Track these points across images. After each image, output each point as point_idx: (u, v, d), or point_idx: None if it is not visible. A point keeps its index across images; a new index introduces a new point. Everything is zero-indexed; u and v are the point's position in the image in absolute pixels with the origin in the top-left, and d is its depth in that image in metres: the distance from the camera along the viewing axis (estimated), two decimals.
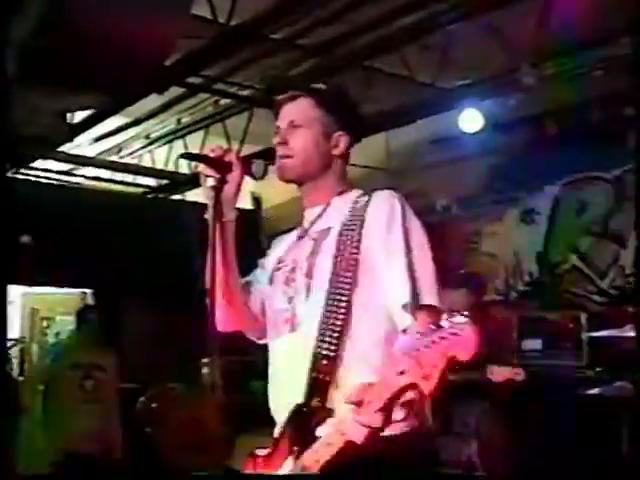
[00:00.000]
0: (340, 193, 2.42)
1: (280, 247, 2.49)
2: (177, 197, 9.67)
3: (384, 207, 2.27)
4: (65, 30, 4.27)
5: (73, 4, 4.27)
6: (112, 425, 6.30)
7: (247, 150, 8.19)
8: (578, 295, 7.31)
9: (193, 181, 8.94)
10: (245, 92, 7.11)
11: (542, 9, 5.44)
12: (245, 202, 10.18)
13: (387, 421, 1.83)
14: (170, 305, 7.66)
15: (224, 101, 7.51)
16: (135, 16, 4.39)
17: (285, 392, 2.26)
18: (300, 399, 2.16)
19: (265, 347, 2.46)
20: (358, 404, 1.85)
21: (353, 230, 2.23)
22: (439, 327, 1.74)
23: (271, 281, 2.41)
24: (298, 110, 2.40)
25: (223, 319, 2.36)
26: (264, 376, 2.44)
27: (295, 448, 2.11)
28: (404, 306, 2.14)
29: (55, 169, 9.01)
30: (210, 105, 7.71)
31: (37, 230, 7.14)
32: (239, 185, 2.33)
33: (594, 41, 5.55)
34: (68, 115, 6.71)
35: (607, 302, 7.08)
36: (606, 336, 5.51)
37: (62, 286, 8.49)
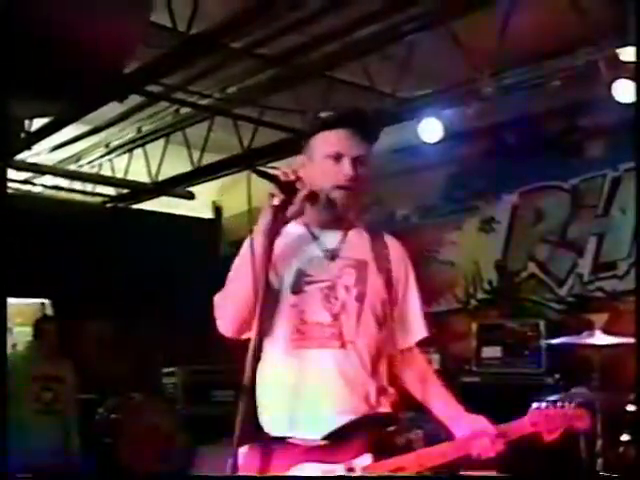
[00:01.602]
0: (351, 224, 2.70)
1: (292, 258, 2.58)
2: (137, 206, 9.60)
3: (402, 256, 2.77)
4: (21, 35, 4.23)
5: (29, 8, 4.23)
6: (71, 436, 6.23)
7: (208, 159, 8.22)
8: (537, 303, 7.39)
9: (152, 191, 8.92)
10: (205, 101, 7.09)
11: (501, 20, 5.49)
12: (206, 211, 10.16)
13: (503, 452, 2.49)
14: (128, 314, 7.61)
15: (184, 110, 7.49)
16: (93, 22, 4.36)
17: (326, 399, 2.47)
18: (343, 406, 2.47)
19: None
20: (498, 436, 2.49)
21: (388, 270, 2.66)
22: (564, 404, 2.55)
23: (297, 290, 2.54)
24: (365, 146, 2.58)
25: (246, 324, 2.44)
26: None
27: (370, 447, 2.44)
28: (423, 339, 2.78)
29: (13, 178, 8.90)
30: (170, 114, 7.68)
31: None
32: (301, 209, 2.47)
33: (552, 52, 5.61)
34: (26, 122, 6.64)
35: (565, 310, 7.16)
36: (564, 343, 5.57)
37: (19, 296, 8.39)
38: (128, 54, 4.99)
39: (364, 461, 2.41)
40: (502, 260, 7.76)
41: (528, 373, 6.36)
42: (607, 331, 5.40)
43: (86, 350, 7.91)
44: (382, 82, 6.41)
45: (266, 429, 2.47)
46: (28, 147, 7.28)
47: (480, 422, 2.54)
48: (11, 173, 8.62)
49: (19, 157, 7.89)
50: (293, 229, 2.59)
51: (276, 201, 2.35)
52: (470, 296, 8.04)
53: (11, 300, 8.17)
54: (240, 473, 2.26)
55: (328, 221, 2.61)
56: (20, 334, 7.94)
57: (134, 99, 6.89)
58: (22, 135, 6.69)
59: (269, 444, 2.42)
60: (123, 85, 5.90)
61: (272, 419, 2.48)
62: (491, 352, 6.91)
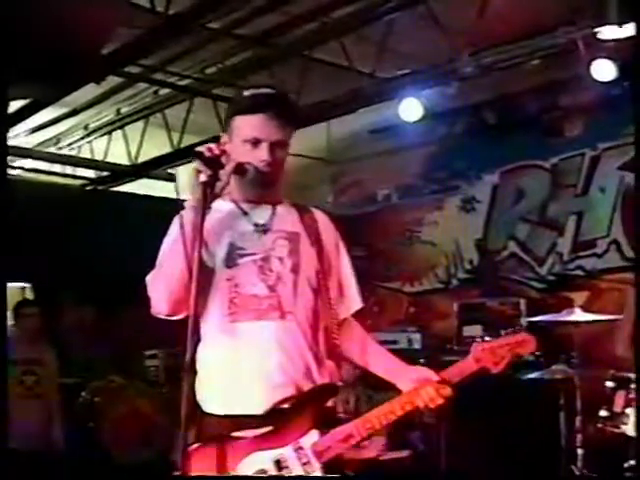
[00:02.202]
0: (278, 199, 2.71)
1: (223, 232, 2.57)
2: (117, 189, 9.55)
3: (331, 228, 2.80)
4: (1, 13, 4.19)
5: None
6: (54, 420, 6.22)
7: (188, 140, 8.18)
8: (517, 282, 7.43)
9: (132, 173, 8.87)
10: (184, 82, 7.05)
11: None
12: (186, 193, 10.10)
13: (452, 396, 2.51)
14: (109, 298, 7.58)
15: (163, 91, 7.45)
16: (71, 3, 4.33)
17: (266, 372, 2.46)
18: (283, 379, 2.46)
19: None
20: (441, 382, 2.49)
21: (319, 241, 2.68)
22: (507, 334, 2.58)
23: (230, 264, 2.53)
24: (282, 132, 2.56)
25: (180, 303, 2.44)
26: None
27: (315, 423, 2.44)
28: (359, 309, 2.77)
29: None
30: (149, 95, 7.64)
31: None
32: (228, 183, 2.44)
33: (531, 31, 5.62)
34: None
35: (545, 288, 7.20)
36: (544, 321, 5.60)
37: None
38: (106, 35, 4.96)
39: (311, 438, 2.42)
40: (483, 239, 7.79)
41: None
42: (586, 309, 5.45)
43: (68, 334, 7.89)
44: (361, 62, 6.39)
45: (208, 408, 2.47)
46: (6, 130, 7.21)
47: (422, 372, 2.54)
48: None
49: None
50: (222, 206, 2.58)
51: (203, 177, 2.33)
52: (451, 275, 8.08)
53: None
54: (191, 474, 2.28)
55: (255, 197, 2.62)
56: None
57: (113, 80, 6.85)
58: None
59: (215, 441, 2.40)
60: (101, 66, 5.86)
61: (213, 396, 2.48)
62: (472, 331, 6.94)
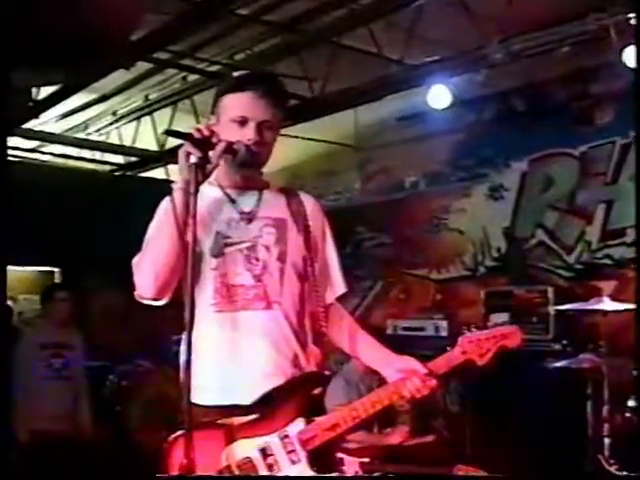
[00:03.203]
0: (265, 184, 2.69)
1: (209, 220, 2.55)
2: (145, 174, 9.60)
3: (318, 213, 2.73)
4: (27, 3, 4.21)
5: None
6: (82, 403, 6.27)
7: None
8: (545, 270, 7.39)
9: (161, 158, 8.90)
10: (213, 68, 7.06)
11: None
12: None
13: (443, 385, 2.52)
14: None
15: (192, 77, 7.47)
16: None
17: (253, 362, 2.46)
18: (271, 368, 2.46)
19: None
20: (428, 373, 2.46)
21: (306, 227, 2.64)
22: (495, 326, 2.57)
23: (216, 253, 2.51)
24: (272, 110, 2.54)
25: (166, 286, 2.45)
26: None
27: (302, 411, 2.42)
28: (342, 294, 2.75)
29: (21, 146, 8.90)
30: (178, 81, 7.66)
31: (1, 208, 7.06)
32: (218, 165, 2.42)
33: (562, 18, 5.57)
34: (33, 91, 6.64)
35: (573, 277, 7.16)
36: (572, 310, 5.58)
37: (28, 265, 8.42)
38: (135, 21, 4.97)
39: (297, 426, 2.41)
40: (510, 227, 7.75)
41: (536, 340, 6.36)
42: (615, 298, 5.41)
43: (96, 318, 7.96)
44: (389, 48, 6.37)
45: (196, 399, 2.38)
46: (36, 116, 7.27)
47: (408, 362, 2.53)
48: (19, 142, 8.63)
49: (27, 126, 7.89)
50: (208, 191, 2.55)
51: (194, 159, 2.31)
52: (478, 263, 8.05)
53: (17, 268, 8.26)
54: (169, 463, 2.31)
55: (242, 182, 2.60)
56: (26, 302, 7.98)
57: (141, 66, 6.87)
58: (30, 104, 6.68)
59: (198, 429, 2.31)
60: (130, 52, 5.88)
61: (201, 388, 2.44)
62: (499, 319, 6.90)
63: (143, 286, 2.46)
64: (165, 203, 2.45)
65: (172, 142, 8.66)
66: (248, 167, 2.53)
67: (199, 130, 2.34)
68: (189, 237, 2.30)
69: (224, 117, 2.54)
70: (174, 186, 2.40)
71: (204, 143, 2.34)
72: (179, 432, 2.29)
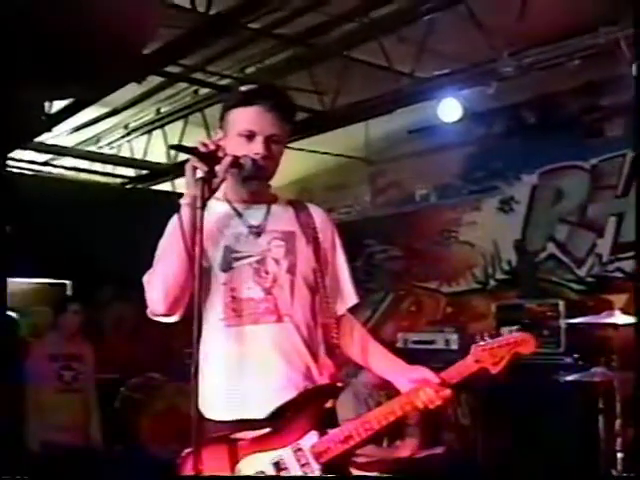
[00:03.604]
0: (273, 197, 2.68)
1: (217, 235, 2.55)
2: (156, 187, 9.63)
3: (328, 224, 2.72)
4: (39, 17, 4.24)
5: None
6: (92, 415, 6.28)
7: None
8: (556, 283, 7.37)
9: (172, 171, 8.93)
10: (224, 81, 7.09)
11: None
12: None
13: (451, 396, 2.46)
14: None
15: (203, 90, 7.50)
16: (112, 3, 4.36)
17: (265, 376, 2.45)
18: (283, 382, 2.44)
19: None
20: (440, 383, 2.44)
21: (315, 239, 2.63)
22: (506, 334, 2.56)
23: (226, 267, 2.51)
24: (279, 124, 2.55)
25: (176, 302, 2.45)
26: None
27: (314, 424, 2.41)
28: (354, 305, 2.73)
29: (34, 160, 8.95)
30: (189, 95, 7.69)
31: (17, 221, 7.10)
32: (224, 179, 2.41)
33: (573, 31, 5.57)
34: (46, 105, 6.67)
35: (584, 290, 7.14)
36: (583, 323, 5.56)
37: (37, 277, 8.44)
38: (147, 35, 4.99)
39: (310, 439, 2.39)
40: (521, 240, 7.73)
41: (547, 353, 6.34)
42: (626, 311, 5.39)
43: (108, 330, 7.97)
44: (400, 62, 6.38)
45: (208, 414, 2.43)
46: (48, 129, 7.31)
47: (421, 372, 2.51)
48: (31, 155, 8.68)
49: (39, 139, 7.93)
50: (216, 206, 2.55)
51: (200, 173, 2.30)
52: (489, 276, 8.03)
53: (30, 281, 8.28)
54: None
55: (250, 196, 2.59)
56: (39, 315, 7.98)
57: (153, 80, 6.90)
58: (42, 117, 6.71)
59: (210, 444, 2.35)
60: (142, 66, 5.91)
61: (212, 403, 2.45)
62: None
63: (154, 302, 2.46)
64: (173, 219, 2.45)
65: (183, 155, 8.67)
66: (254, 181, 2.52)
67: (205, 144, 2.34)
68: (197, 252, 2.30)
69: (232, 131, 2.53)
70: (181, 201, 2.40)
71: (210, 157, 2.33)
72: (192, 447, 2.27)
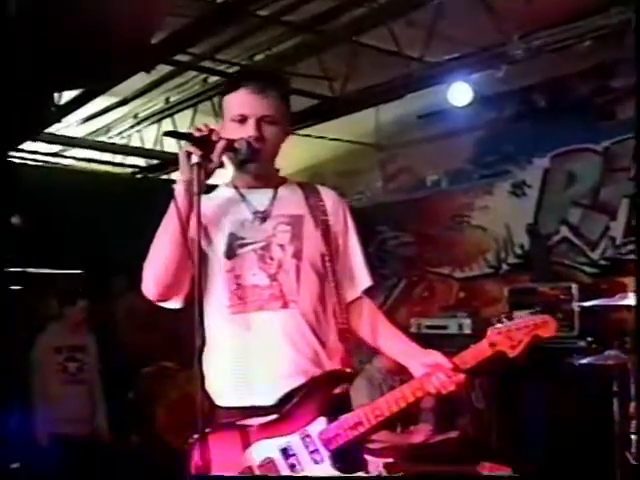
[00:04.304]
0: (281, 180, 2.66)
1: (223, 222, 2.54)
2: (167, 176, 9.63)
3: (339, 207, 2.68)
4: (49, 8, 4.24)
5: None
6: (97, 406, 6.30)
7: None
8: (569, 266, 7.35)
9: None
10: (233, 69, 7.07)
11: None
12: None
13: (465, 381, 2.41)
14: None
15: (212, 79, 7.48)
16: None
17: (272, 363, 2.43)
18: (291, 368, 2.42)
19: None
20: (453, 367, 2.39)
21: (325, 222, 2.59)
22: (525, 316, 2.47)
23: (230, 254, 2.50)
24: (271, 104, 2.52)
25: (169, 288, 2.46)
26: None
27: (323, 410, 2.39)
28: (368, 287, 2.69)
29: (43, 150, 8.96)
30: (198, 83, 7.68)
31: (27, 212, 7.12)
32: (221, 163, 2.40)
33: (583, 12, 5.53)
34: (56, 95, 6.67)
35: (598, 273, 7.11)
36: (597, 306, 5.53)
37: (47, 268, 8.46)
38: (155, 24, 4.99)
39: (319, 426, 2.38)
40: (534, 224, 7.71)
41: (561, 336, 6.31)
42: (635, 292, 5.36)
43: (119, 320, 7.99)
44: (409, 47, 6.35)
45: (218, 401, 2.44)
46: (58, 120, 7.31)
47: (434, 357, 2.46)
48: (42, 146, 8.69)
49: (49, 130, 7.93)
50: (223, 192, 2.57)
51: (195, 158, 2.30)
52: (502, 261, 8.02)
53: (37, 271, 8.29)
54: (193, 465, 2.26)
55: (255, 181, 2.58)
56: (46, 305, 7.99)
57: (162, 69, 6.89)
58: (52, 108, 6.71)
59: (218, 431, 2.36)
60: (151, 55, 5.90)
61: (221, 390, 2.45)
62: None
63: (146, 286, 2.49)
64: (171, 205, 2.44)
65: None
66: (252, 164, 2.50)
67: (198, 129, 2.34)
68: (202, 243, 2.33)
69: (226, 118, 2.54)
70: (175, 187, 2.39)
71: (204, 142, 2.32)
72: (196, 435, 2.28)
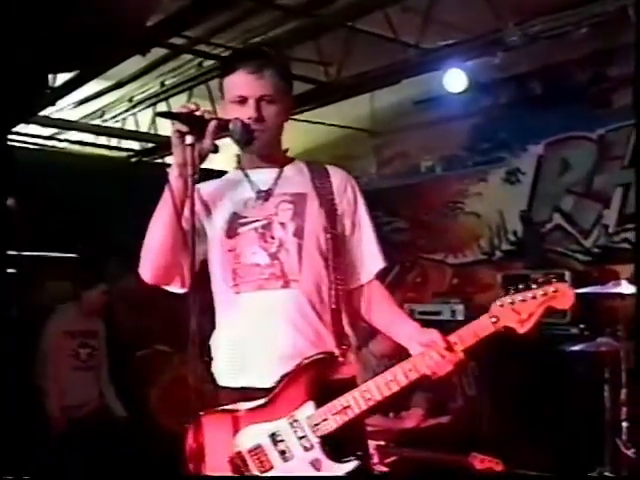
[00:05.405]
0: (288, 160, 2.63)
1: (226, 202, 2.55)
2: (162, 160, 9.61)
3: (348, 187, 2.64)
4: None
5: None
6: (108, 390, 6.32)
7: None
8: (562, 254, 7.37)
9: None
10: (228, 53, 7.05)
11: None
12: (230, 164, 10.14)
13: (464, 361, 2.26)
14: None
15: (207, 62, 7.46)
16: None
17: (271, 343, 2.39)
18: (289, 350, 2.37)
19: None
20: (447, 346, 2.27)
21: (331, 201, 2.55)
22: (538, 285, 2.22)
23: (231, 234, 2.49)
24: (269, 83, 2.49)
25: (165, 271, 2.46)
26: None
27: (312, 394, 2.34)
28: (381, 269, 2.62)
29: (38, 133, 8.93)
30: (193, 67, 7.65)
31: (22, 196, 7.11)
32: (214, 143, 2.37)
33: None
34: (50, 78, 6.64)
35: (591, 261, 7.13)
36: (589, 293, 5.56)
37: (47, 251, 8.45)
38: (151, 7, 4.97)
39: (307, 410, 2.33)
40: (527, 211, 7.72)
41: (553, 323, 6.34)
42: (632, 281, 5.39)
43: (114, 303, 7.99)
44: (405, 33, 6.34)
45: (221, 381, 2.44)
46: (52, 103, 7.28)
47: (429, 335, 2.35)
48: (36, 129, 8.66)
49: (43, 113, 7.91)
50: (231, 175, 2.58)
51: (189, 139, 2.27)
52: (495, 247, 8.04)
53: (41, 254, 8.28)
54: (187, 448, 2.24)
55: (260, 161, 2.56)
56: (56, 289, 7.97)
57: (157, 52, 6.87)
58: (46, 91, 6.69)
59: (211, 414, 2.36)
60: (146, 38, 5.88)
61: (220, 370, 2.45)
62: None
63: (142, 271, 2.49)
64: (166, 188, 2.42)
65: None
66: (248, 144, 2.47)
67: (188, 108, 2.33)
68: (205, 223, 2.37)
69: (227, 99, 2.53)
70: (169, 170, 2.38)
71: (196, 121, 2.30)
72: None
